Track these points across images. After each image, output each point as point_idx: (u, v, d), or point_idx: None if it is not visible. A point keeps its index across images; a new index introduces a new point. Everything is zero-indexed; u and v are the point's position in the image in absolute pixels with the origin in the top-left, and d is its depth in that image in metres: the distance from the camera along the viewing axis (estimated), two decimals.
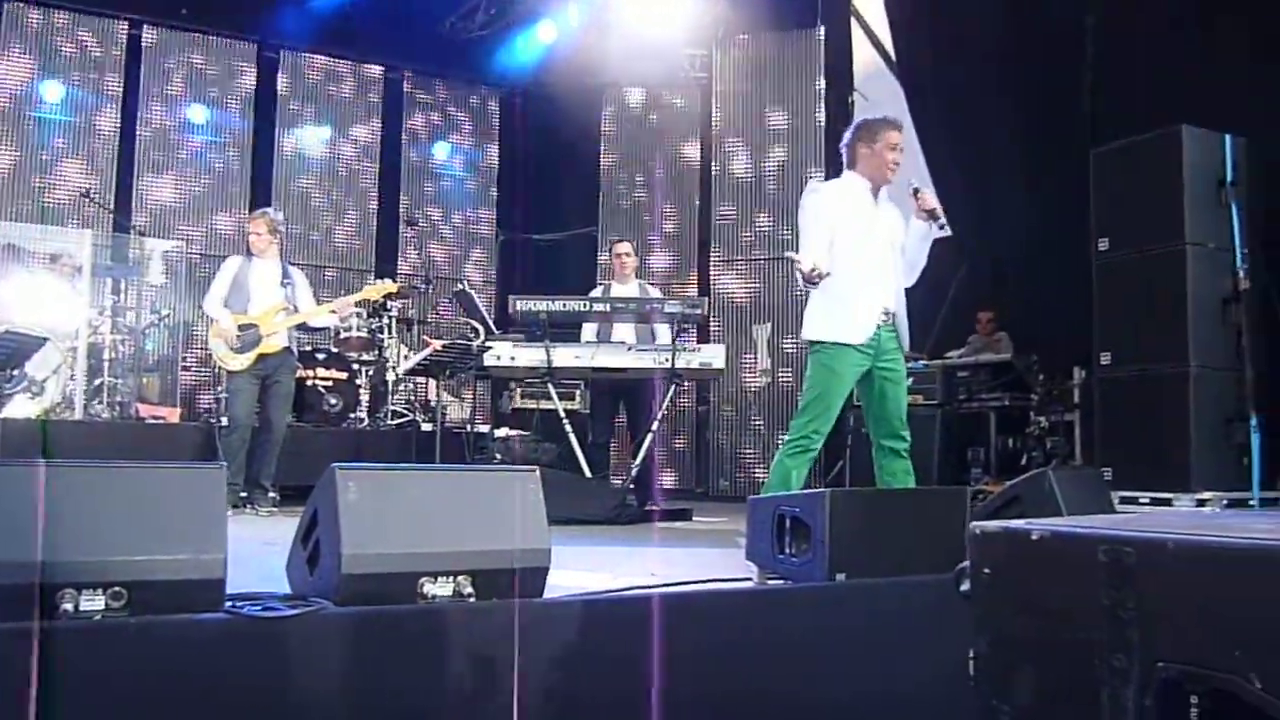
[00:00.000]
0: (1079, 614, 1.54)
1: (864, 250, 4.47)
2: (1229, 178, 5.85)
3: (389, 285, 7.62)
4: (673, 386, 6.88)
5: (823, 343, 4.47)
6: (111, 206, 9.38)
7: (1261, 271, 5.90)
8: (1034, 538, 1.65)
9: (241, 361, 6.58)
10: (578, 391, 8.26)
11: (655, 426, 6.94)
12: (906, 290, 4.65)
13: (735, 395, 9.79)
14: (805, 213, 4.54)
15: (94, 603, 2.24)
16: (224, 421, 6.82)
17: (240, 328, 6.59)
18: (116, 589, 2.26)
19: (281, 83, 10.58)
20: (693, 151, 10.67)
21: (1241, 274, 5.81)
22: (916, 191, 4.50)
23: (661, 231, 10.70)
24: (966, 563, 1.75)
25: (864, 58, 9.99)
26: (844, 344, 4.40)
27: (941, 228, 4.49)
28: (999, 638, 1.68)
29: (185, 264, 9.60)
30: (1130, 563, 1.50)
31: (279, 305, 6.72)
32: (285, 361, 6.76)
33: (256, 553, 4.12)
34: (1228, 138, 5.86)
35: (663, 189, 10.74)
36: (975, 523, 1.75)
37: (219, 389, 7.37)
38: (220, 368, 6.91)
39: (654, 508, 7.02)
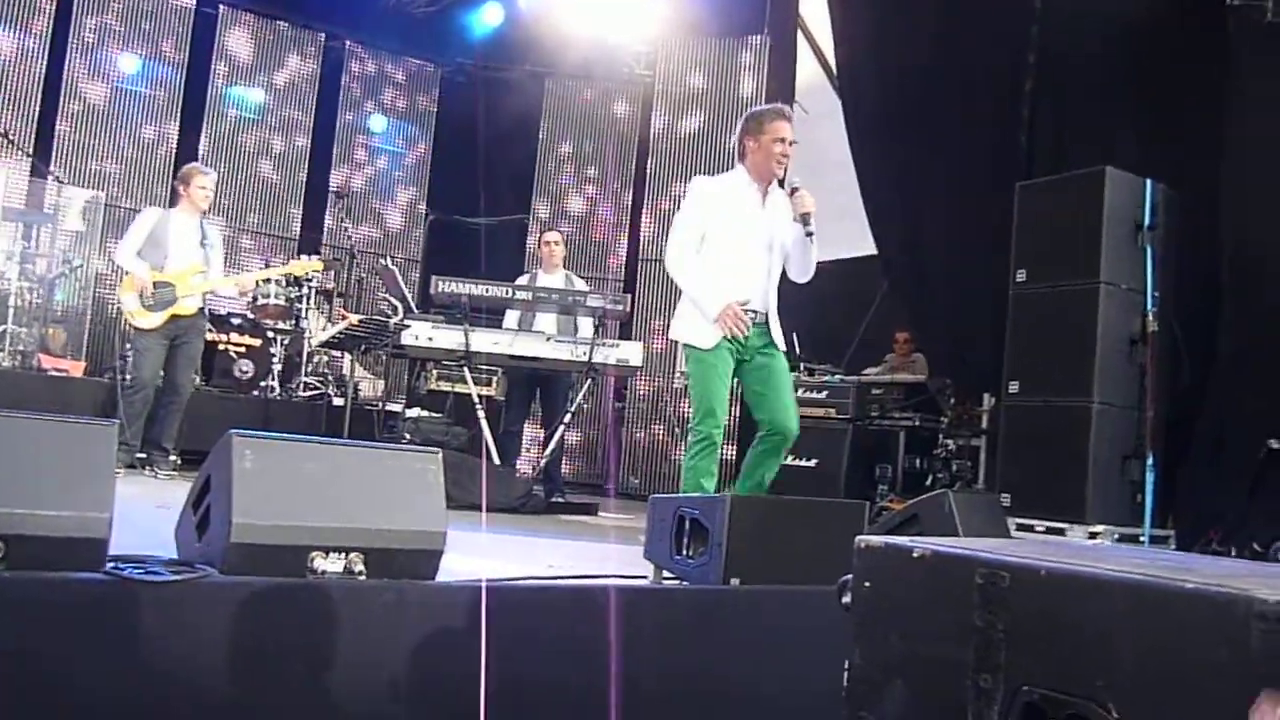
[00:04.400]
0: (952, 633, 1.57)
1: (736, 250, 4.54)
2: (1147, 221, 5.98)
3: (315, 263, 7.51)
4: (589, 380, 6.88)
5: (685, 344, 4.59)
6: (30, 150, 9.11)
7: (1170, 315, 6.06)
8: (915, 555, 1.67)
9: (152, 320, 6.41)
10: (495, 378, 8.22)
11: (568, 419, 6.94)
12: (801, 288, 4.71)
13: (653, 393, 9.84)
14: (685, 202, 4.65)
15: None
16: (128, 379, 6.57)
17: (155, 284, 6.42)
18: None
19: (218, 40, 10.35)
20: (631, 147, 10.69)
21: (1151, 316, 5.95)
22: (794, 191, 4.49)
23: (595, 224, 10.72)
24: (850, 575, 1.78)
25: (807, 70, 10.08)
26: (695, 346, 4.50)
27: (809, 234, 4.47)
28: (873, 650, 1.70)
29: (103, 215, 9.35)
30: (1004, 587, 1.53)
31: (198, 266, 6.57)
32: (196, 324, 6.62)
33: (148, 515, 4.04)
34: (1149, 182, 6.00)
35: (599, 180, 10.76)
36: (860, 537, 1.77)
37: (127, 346, 7.14)
38: (128, 323, 6.68)
39: (560, 500, 7.02)
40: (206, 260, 6.64)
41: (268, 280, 8.34)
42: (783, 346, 4.66)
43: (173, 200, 6.99)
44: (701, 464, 4.46)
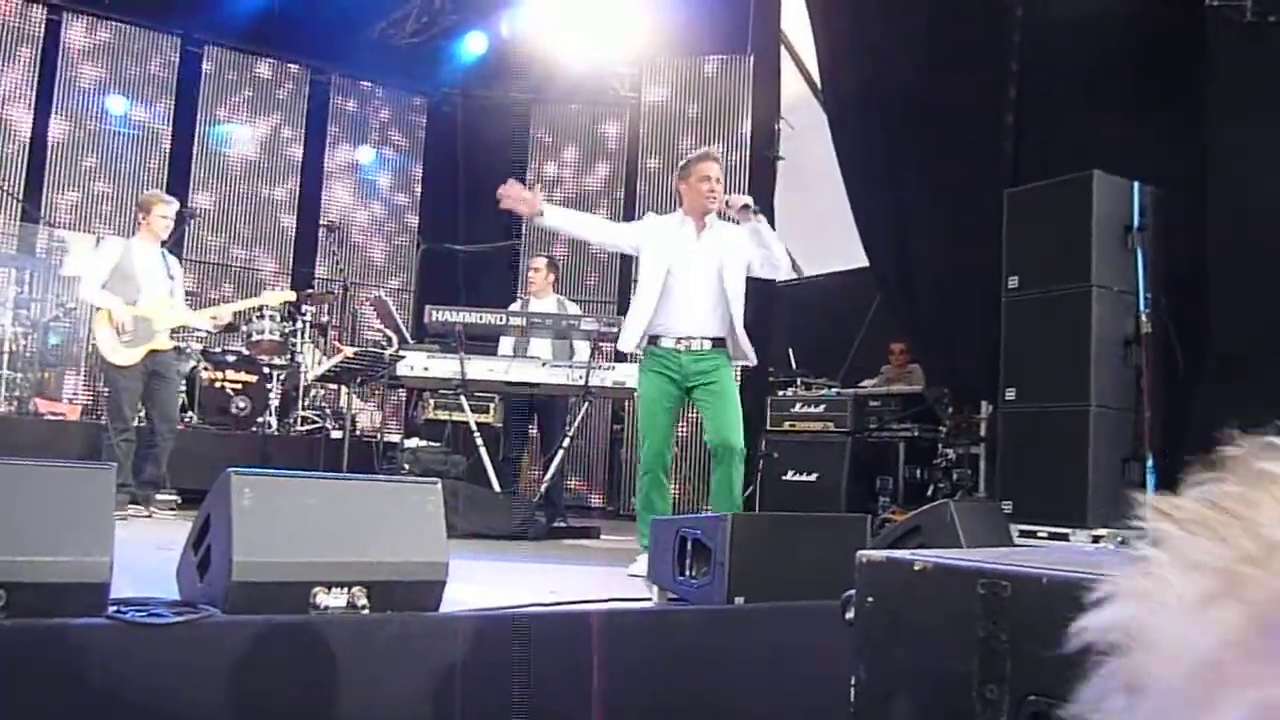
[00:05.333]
0: (956, 645, 1.57)
1: (670, 280, 4.85)
2: (1136, 223, 6.00)
3: (287, 294, 7.48)
4: (586, 404, 6.88)
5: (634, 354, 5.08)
6: (20, 195, 9.12)
7: (1163, 315, 6.06)
8: (916, 568, 1.67)
9: (130, 356, 6.23)
10: (492, 404, 8.22)
11: (566, 443, 6.93)
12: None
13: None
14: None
15: None
16: (111, 420, 6.33)
17: (132, 319, 6.24)
18: None
19: (205, 78, 10.39)
20: (619, 169, 10.72)
21: (1144, 317, 5.96)
22: (726, 203, 4.85)
23: (586, 246, 10.73)
24: (852, 590, 1.78)
25: (792, 87, 10.13)
26: (637, 352, 4.95)
27: (757, 213, 4.82)
28: (879, 665, 1.70)
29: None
30: (1006, 596, 1.53)
31: (169, 300, 6.47)
32: (171, 356, 6.55)
33: (150, 557, 4.03)
34: (1136, 185, 6.02)
35: (588, 202, 10.78)
36: (861, 551, 1.77)
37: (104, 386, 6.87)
38: (104, 361, 6.37)
39: (562, 524, 7.00)
40: (172, 292, 6.52)
41: (260, 315, 8.35)
42: (749, 361, 4.97)
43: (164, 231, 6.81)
44: (651, 494, 4.86)
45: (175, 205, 6.70)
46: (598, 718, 2.82)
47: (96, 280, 6.33)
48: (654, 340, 4.89)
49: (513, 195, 4.86)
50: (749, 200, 4.80)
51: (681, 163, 5.08)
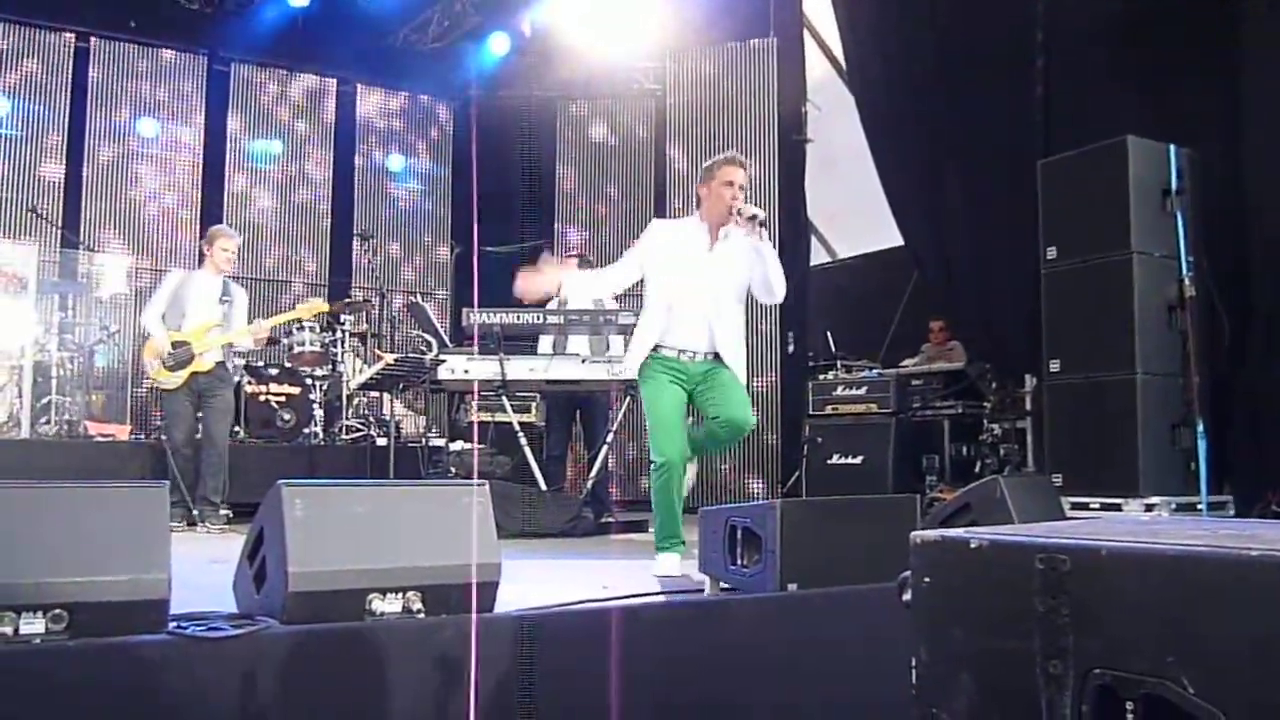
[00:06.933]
0: (1016, 622, 1.56)
1: (679, 292, 4.57)
2: (1174, 187, 5.92)
3: (320, 304, 7.54)
4: (628, 398, 6.87)
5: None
6: (59, 221, 9.24)
7: (1206, 279, 5.99)
8: (972, 546, 1.66)
9: (174, 379, 6.52)
10: (534, 404, 8.23)
11: (610, 438, 6.93)
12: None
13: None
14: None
15: (34, 625, 2.21)
16: (164, 440, 6.65)
17: (172, 345, 6.53)
18: (57, 611, 2.23)
19: (232, 95, 10.47)
20: (646, 162, 10.71)
21: (1187, 281, 5.89)
22: (736, 211, 4.44)
23: (617, 241, 10.73)
24: (908, 572, 1.77)
25: (816, 68, 10.07)
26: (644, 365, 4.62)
27: (762, 224, 4.41)
28: (938, 646, 1.69)
29: (134, 279, 9.45)
30: (1065, 570, 1.51)
31: (212, 323, 6.66)
32: (220, 377, 6.71)
33: (204, 571, 4.08)
34: (1172, 148, 5.94)
35: (617, 197, 10.78)
36: (915, 532, 1.76)
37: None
38: (156, 386, 6.78)
39: (609, 520, 7.01)
40: (225, 316, 6.73)
41: (300, 327, 8.42)
42: (740, 379, 4.61)
43: (200, 260, 7.07)
44: (662, 488, 4.54)
45: (237, 239, 7.02)
46: (662, 709, 2.82)
47: (154, 311, 6.68)
48: (656, 349, 4.60)
49: (529, 288, 5.01)
50: (760, 213, 4.41)
51: (705, 164, 4.72)
